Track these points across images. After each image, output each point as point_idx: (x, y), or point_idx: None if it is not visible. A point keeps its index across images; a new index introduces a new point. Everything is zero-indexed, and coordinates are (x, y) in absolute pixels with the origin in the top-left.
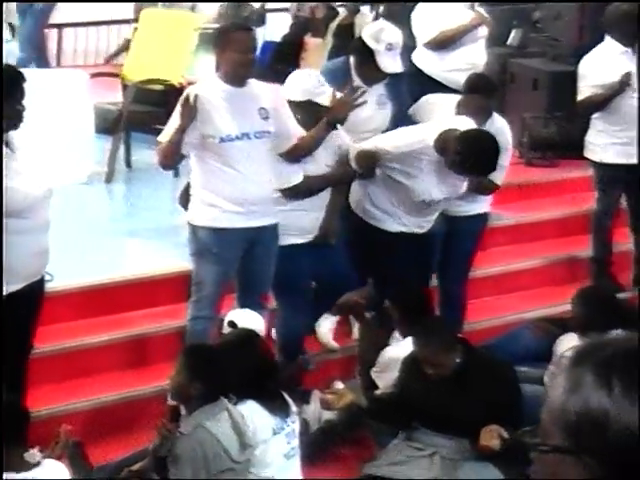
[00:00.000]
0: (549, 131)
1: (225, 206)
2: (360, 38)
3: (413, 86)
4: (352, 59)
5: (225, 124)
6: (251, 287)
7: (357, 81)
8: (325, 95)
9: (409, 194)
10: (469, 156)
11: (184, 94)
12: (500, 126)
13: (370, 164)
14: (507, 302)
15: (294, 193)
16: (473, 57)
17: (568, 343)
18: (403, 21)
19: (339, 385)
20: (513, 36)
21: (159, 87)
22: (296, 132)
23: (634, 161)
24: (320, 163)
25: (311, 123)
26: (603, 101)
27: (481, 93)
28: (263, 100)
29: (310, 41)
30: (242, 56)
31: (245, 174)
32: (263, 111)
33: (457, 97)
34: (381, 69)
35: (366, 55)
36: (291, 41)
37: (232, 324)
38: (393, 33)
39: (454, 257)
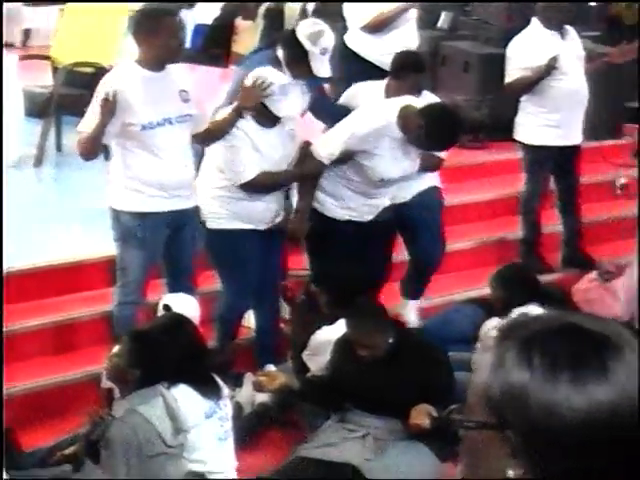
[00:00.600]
0: (480, 113)
1: (148, 191)
2: (294, 34)
3: (349, 68)
4: (282, 52)
5: (146, 111)
6: (178, 271)
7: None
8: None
9: (367, 174)
10: (433, 130)
11: (102, 89)
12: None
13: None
14: (438, 284)
15: (256, 187)
16: (406, 39)
17: (492, 326)
18: (333, 16)
19: (271, 367)
20: (443, 19)
21: (90, 70)
22: (207, 116)
23: (562, 143)
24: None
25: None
26: (530, 84)
27: (410, 70)
28: (183, 83)
29: (241, 24)
30: (171, 41)
31: (167, 159)
32: (184, 93)
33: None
34: (313, 72)
35: (299, 54)
36: (222, 24)
37: (167, 308)
38: (330, 38)
39: (425, 232)
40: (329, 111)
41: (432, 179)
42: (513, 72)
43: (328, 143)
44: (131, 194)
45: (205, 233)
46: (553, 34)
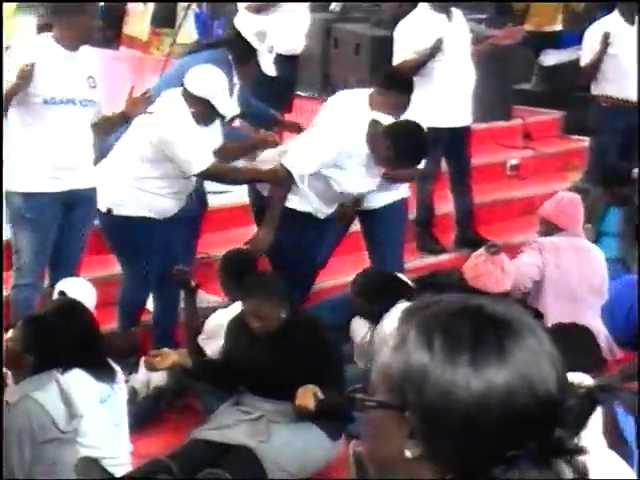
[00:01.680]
0: None
1: (40, 170)
2: (240, 34)
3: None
4: (231, 53)
5: (51, 86)
6: (64, 253)
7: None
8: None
9: (330, 184)
10: (401, 150)
11: (17, 58)
12: None
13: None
14: (330, 267)
15: (217, 178)
16: (295, 20)
17: (358, 324)
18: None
19: (164, 348)
20: (335, 2)
21: None
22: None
23: (451, 124)
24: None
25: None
26: (416, 66)
27: (397, 90)
28: (92, 69)
29: (131, 7)
30: (91, 22)
31: (65, 139)
32: (91, 80)
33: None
34: (262, 70)
35: (247, 53)
36: (113, 7)
37: (62, 293)
38: (274, 36)
39: (390, 246)
40: (261, 115)
41: (403, 190)
42: (400, 54)
43: (299, 162)
44: (22, 174)
45: (106, 220)
46: (439, 16)
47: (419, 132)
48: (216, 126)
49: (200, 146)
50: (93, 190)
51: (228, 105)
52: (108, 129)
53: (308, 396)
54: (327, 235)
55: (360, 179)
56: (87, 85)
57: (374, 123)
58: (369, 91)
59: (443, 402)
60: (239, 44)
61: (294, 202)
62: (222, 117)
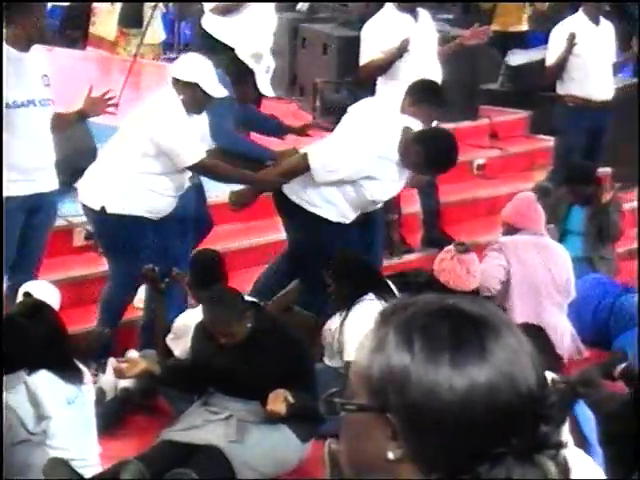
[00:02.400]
0: (340, 96)
1: (5, 174)
2: (236, 57)
3: (205, 51)
4: (229, 75)
5: (11, 90)
6: (26, 256)
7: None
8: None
9: (363, 193)
10: (431, 156)
11: None
12: None
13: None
14: None
15: (209, 172)
16: (261, 21)
17: (333, 323)
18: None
19: (133, 353)
20: (302, 2)
21: None
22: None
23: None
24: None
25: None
26: (383, 66)
27: (431, 103)
28: (44, 67)
29: (98, 7)
30: (40, 22)
31: (28, 141)
32: (45, 78)
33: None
34: (260, 90)
35: (245, 74)
36: (79, 6)
37: (27, 294)
38: (269, 57)
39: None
40: (263, 125)
41: None
42: (367, 54)
43: (331, 161)
44: None
45: (99, 218)
46: (406, 17)
47: (449, 139)
48: (204, 116)
49: (192, 138)
50: (55, 193)
51: (217, 87)
52: (62, 127)
53: (279, 401)
54: (351, 239)
55: (392, 185)
56: (42, 84)
57: (406, 129)
58: (397, 99)
59: (426, 402)
60: (236, 65)
61: (320, 209)
62: (211, 98)
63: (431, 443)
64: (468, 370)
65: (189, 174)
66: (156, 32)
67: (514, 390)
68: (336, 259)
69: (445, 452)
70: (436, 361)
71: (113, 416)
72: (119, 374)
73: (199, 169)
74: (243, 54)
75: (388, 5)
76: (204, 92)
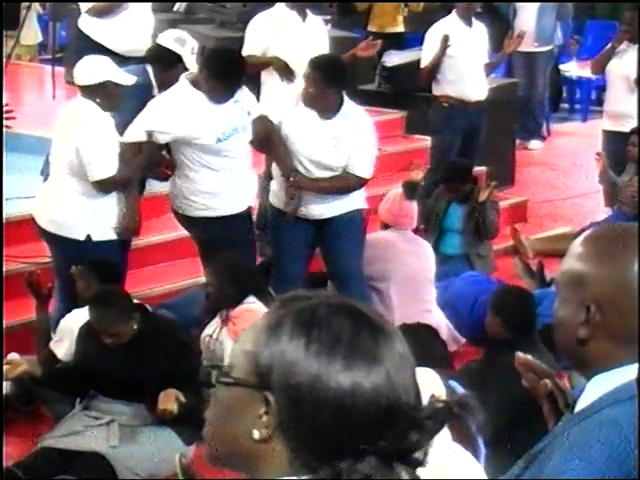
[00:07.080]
0: None
1: None
2: (159, 46)
3: (81, 53)
4: (153, 66)
5: None
6: None
7: (156, 91)
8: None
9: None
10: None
11: None
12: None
13: None
14: (180, 268)
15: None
16: (138, 22)
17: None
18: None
19: (14, 356)
20: (179, 3)
21: None
22: None
23: None
24: None
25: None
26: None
27: (333, 85)
28: None
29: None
30: None
31: None
32: None
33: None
34: (188, 69)
35: (171, 61)
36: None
37: None
38: (191, 39)
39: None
40: None
41: (359, 201)
42: (248, 49)
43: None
44: None
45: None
46: (294, 14)
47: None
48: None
49: (107, 152)
50: None
51: (125, 76)
52: None
53: (171, 400)
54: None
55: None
56: None
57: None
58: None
59: (309, 389)
60: (162, 55)
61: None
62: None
63: (304, 430)
64: (358, 370)
65: None
66: (34, 33)
67: (395, 397)
68: (217, 259)
69: (315, 441)
70: (329, 354)
71: None
72: None
73: (101, 186)
74: (166, 41)
75: (278, 5)
76: (116, 85)
